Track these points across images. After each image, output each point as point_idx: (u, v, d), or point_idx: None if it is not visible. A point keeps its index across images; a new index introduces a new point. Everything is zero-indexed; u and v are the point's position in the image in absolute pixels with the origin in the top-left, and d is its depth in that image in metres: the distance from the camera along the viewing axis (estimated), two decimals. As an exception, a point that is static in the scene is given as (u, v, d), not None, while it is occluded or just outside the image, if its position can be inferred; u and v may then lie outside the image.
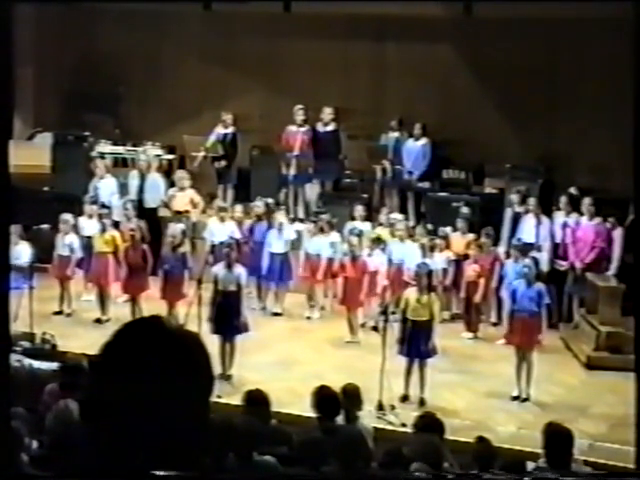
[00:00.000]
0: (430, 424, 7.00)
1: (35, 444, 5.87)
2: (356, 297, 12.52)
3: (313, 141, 15.54)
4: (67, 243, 13.15)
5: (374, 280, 12.66)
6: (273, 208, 14.20)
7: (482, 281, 12.81)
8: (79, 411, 4.98)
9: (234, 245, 11.84)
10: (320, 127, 15.65)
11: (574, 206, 13.45)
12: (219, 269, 11.14)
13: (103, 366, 1.67)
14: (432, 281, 11.26)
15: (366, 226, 13.67)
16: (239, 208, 14.37)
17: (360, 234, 12.97)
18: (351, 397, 7.71)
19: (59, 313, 13.10)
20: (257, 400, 7.29)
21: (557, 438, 6.47)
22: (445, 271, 13.25)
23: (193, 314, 10.39)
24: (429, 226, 13.79)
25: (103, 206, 14.05)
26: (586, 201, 13.31)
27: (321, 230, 13.67)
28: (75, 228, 13.39)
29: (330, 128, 15.62)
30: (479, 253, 12.98)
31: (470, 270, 12.89)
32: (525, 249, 12.47)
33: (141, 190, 15.06)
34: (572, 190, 13.89)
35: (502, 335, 11.71)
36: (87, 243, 13.32)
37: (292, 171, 15.47)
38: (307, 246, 13.77)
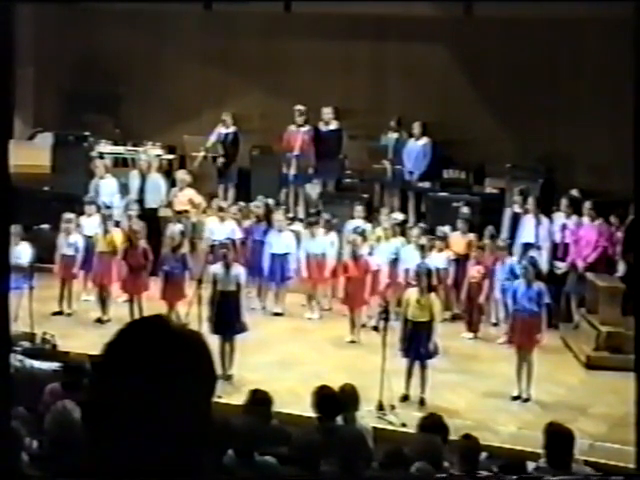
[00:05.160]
0: (433, 425, 7.00)
1: (35, 444, 5.87)
2: (359, 296, 12.51)
3: (316, 140, 15.57)
4: (72, 242, 13.16)
5: (376, 279, 12.67)
6: (272, 208, 14.22)
7: (486, 282, 12.81)
8: (81, 412, 4.98)
9: (230, 245, 11.82)
10: (322, 126, 15.67)
11: (575, 208, 13.47)
12: (217, 269, 11.12)
13: (105, 366, 1.67)
14: (432, 281, 11.21)
15: (367, 226, 13.68)
16: (235, 208, 14.37)
17: (363, 233, 12.99)
18: (348, 397, 7.70)
19: (59, 313, 13.08)
20: (260, 400, 7.29)
21: (558, 438, 6.47)
22: (445, 271, 13.26)
23: (193, 314, 10.41)
24: (422, 224, 13.86)
25: (106, 206, 14.07)
26: (587, 204, 13.33)
27: (313, 231, 13.71)
28: (78, 227, 13.40)
29: (333, 127, 15.65)
30: (481, 253, 12.99)
31: (474, 271, 12.87)
32: (509, 249, 12.69)
33: (142, 190, 15.07)
34: (573, 192, 13.91)
35: (502, 335, 11.74)
36: (87, 243, 13.32)
37: (292, 171, 15.49)
38: (306, 246, 13.77)
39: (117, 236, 13.05)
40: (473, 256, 13.11)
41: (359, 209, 14.08)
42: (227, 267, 11.03)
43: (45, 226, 13.77)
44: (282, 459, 6.18)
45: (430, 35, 15.92)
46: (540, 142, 15.29)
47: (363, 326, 12.63)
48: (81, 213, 13.80)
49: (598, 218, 13.26)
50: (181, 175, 15.20)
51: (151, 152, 16.05)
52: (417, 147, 15.32)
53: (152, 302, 12.28)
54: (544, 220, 13.46)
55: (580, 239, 13.28)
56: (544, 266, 13.05)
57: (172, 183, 15.35)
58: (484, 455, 7.07)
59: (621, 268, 12.94)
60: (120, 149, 16.78)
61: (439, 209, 14.65)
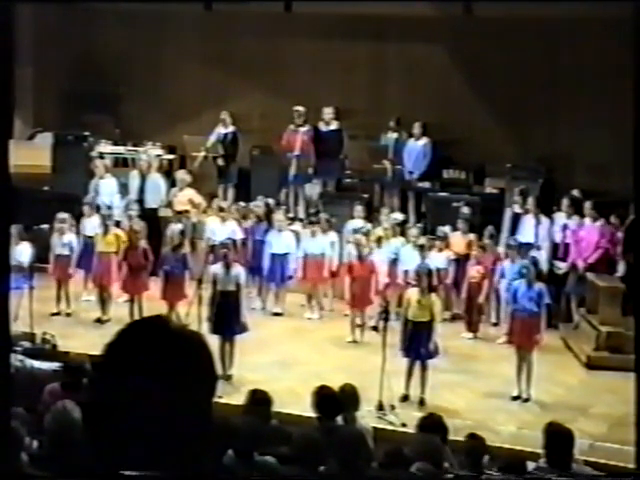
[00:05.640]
0: (432, 425, 7.00)
1: (35, 444, 5.87)
2: (366, 297, 12.48)
3: (316, 140, 15.56)
4: (66, 242, 13.13)
5: (377, 279, 12.67)
6: (273, 208, 14.22)
7: (486, 282, 12.80)
8: (82, 413, 4.98)
9: (230, 245, 11.82)
10: (323, 126, 15.67)
11: (576, 208, 13.47)
12: (217, 269, 11.12)
13: (106, 366, 1.67)
14: (433, 281, 11.20)
15: (367, 226, 13.67)
16: (233, 208, 14.36)
17: (368, 233, 12.99)
18: (348, 397, 7.70)
19: (57, 314, 13.04)
20: (260, 400, 7.28)
21: (558, 438, 6.47)
22: (445, 271, 13.25)
23: (193, 314, 10.41)
24: (420, 224, 13.85)
25: (106, 207, 14.06)
26: (587, 205, 13.32)
27: (313, 231, 13.71)
28: (73, 227, 13.38)
29: (333, 127, 15.65)
30: (481, 253, 12.98)
31: (474, 271, 12.87)
32: (520, 249, 12.56)
33: (142, 190, 15.07)
34: (574, 192, 13.91)
35: (502, 335, 11.73)
36: (88, 243, 13.31)
37: (292, 171, 15.49)
38: (306, 246, 13.77)
39: (117, 236, 13.04)
40: (473, 256, 13.11)
41: (359, 209, 14.09)
42: (227, 267, 11.02)
43: (45, 226, 13.75)
44: (282, 459, 6.18)
45: (430, 35, 15.92)
46: (540, 142, 15.30)
47: (362, 326, 12.62)
48: (81, 213, 13.80)
49: (600, 219, 13.25)
50: (181, 175, 15.21)
51: (151, 152, 16.05)
52: (417, 147, 15.33)
53: (152, 302, 12.28)
54: (544, 220, 13.47)
55: (581, 240, 13.27)
56: (544, 266, 13.06)
57: (172, 183, 15.36)
58: (486, 458, 7.07)
59: (621, 268, 12.94)
60: (120, 149, 16.79)
61: (439, 209, 14.66)
